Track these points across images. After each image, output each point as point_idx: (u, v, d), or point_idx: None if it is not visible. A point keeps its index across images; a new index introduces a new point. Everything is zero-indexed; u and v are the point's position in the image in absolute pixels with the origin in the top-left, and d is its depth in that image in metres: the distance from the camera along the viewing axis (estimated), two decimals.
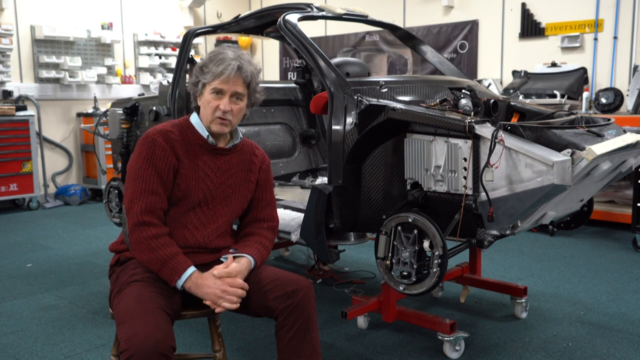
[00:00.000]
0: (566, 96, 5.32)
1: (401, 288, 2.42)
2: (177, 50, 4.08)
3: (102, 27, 7.23)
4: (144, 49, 7.65)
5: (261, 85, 2.14)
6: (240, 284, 1.91)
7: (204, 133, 2.06)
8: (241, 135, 2.15)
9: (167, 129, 2.03)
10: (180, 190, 1.99)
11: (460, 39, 6.68)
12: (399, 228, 2.41)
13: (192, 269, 1.90)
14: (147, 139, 1.99)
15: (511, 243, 4.69)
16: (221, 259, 2.04)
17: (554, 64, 5.80)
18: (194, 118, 2.09)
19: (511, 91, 5.47)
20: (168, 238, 1.94)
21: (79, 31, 6.97)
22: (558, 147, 2.19)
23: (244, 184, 2.12)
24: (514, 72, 5.93)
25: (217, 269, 1.91)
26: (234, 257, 2.00)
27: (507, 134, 2.22)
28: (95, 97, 7.05)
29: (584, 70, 5.55)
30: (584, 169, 2.16)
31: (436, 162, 2.43)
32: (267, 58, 8.72)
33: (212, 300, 1.87)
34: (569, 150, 2.16)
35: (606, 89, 5.29)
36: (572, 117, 2.78)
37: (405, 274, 2.39)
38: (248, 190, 2.14)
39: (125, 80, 7.52)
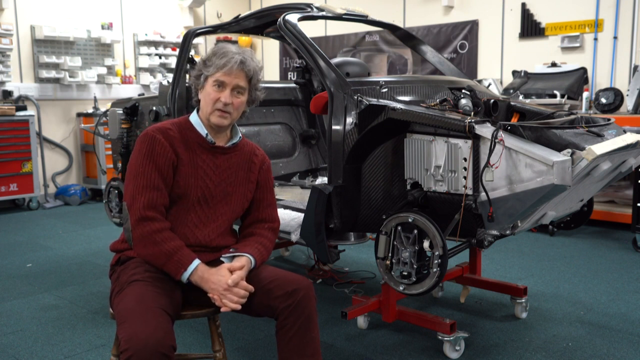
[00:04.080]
0: (566, 96, 5.32)
1: (401, 288, 2.42)
2: (177, 50, 4.08)
3: (102, 27, 7.23)
4: (144, 49, 7.65)
5: (261, 85, 2.14)
6: (244, 286, 1.91)
7: (203, 132, 2.06)
8: (240, 135, 2.16)
9: (166, 126, 2.04)
10: (179, 187, 2.00)
11: (460, 39, 6.68)
12: (399, 228, 2.41)
13: (197, 261, 1.92)
14: (146, 136, 2.00)
15: (511, 243, 4.69)
16: (221, 258, 2.04)
17: (554, 64, 5.80)
18: (193, 117, 2.09)
19: (511, 91, 5.47)
20: (171, 232, 1.95)
21: (79, 31, 6.97)
22: (558, 147, 2.19)
23: (244, 183, 2.12)
24: (514, 72, 5.93)
25: (232, 279, 1.90)
26: (234, 257, 2.01)
27: (507, 134, 2.22)
28: (95, 97, 7.05)
29: (584, 70, 5.55)
30: (584, 169, 2.16)
31: (436, 162, 2.43)
32: (267, 58, 8.72)
33: (216, 296, 1.89)
34: (569, 150, 2.16)
35: (606, 89, 5.29)
36: (572, 117, 2.78)
37: (405, 274, 2.39)
38: (248, 190, 2.14)
39: (125, 80, 7.52)
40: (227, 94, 2.00)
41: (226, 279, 1.89)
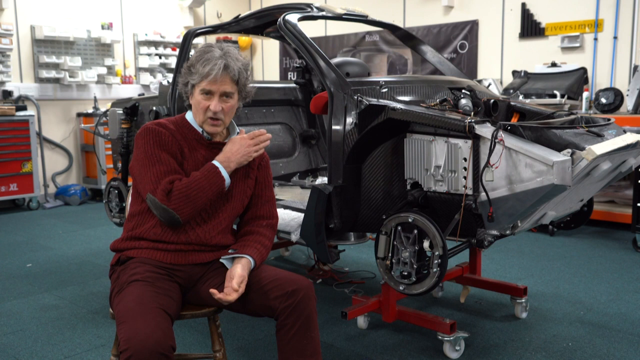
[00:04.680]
0: (566, 96, 5.32)
1: (401, 288, 2.42)
2: (177, 50, 4.08)
3: (102, 27, 7.23)
4: (144, 49, 7.65)
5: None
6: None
7: (199, 128, 2.07)
8: (238, 130, 2.16)
9: (164, 122, 2.05)
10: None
11: (460, 39, 6.68)
12: (399, 228, 2.41)
13: (212, 162, 2.00)
14: (147, 130, 2.00)
15: (511, 243, 4.69)
16: (221, 260, 2.04)
17: (554, 64, 5.80)
18: (188, 115, 2.10)
19: (511, 91, 5.47)
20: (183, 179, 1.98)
21: (79, 31, 6.97)
22: (558, 147, 2.19)
23: (242, 179, 2.12)
24: (514, 72, 5.93)
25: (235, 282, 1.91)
26: (234, 259, 2.00)
27: (507, 134, 2.23)
28: (95, 97, 7.05)
29: (584, 70, 5.55)
30: (584, 169, 2.16)
31: (436, 162, 2.43)
32: (267, 58, 8.72)
33: (247, 154, 2.02)
34: (569, 150, 2.16)
35: (606, 89, 5.29)
36: (572, 117, 2.78)
37: (405, 274, 2.40)
38: (247, 186, 2.14)
39: (125, 80, 7.52)
40: (215, 102, 2.00)
41: (239, 139, 2.02)
